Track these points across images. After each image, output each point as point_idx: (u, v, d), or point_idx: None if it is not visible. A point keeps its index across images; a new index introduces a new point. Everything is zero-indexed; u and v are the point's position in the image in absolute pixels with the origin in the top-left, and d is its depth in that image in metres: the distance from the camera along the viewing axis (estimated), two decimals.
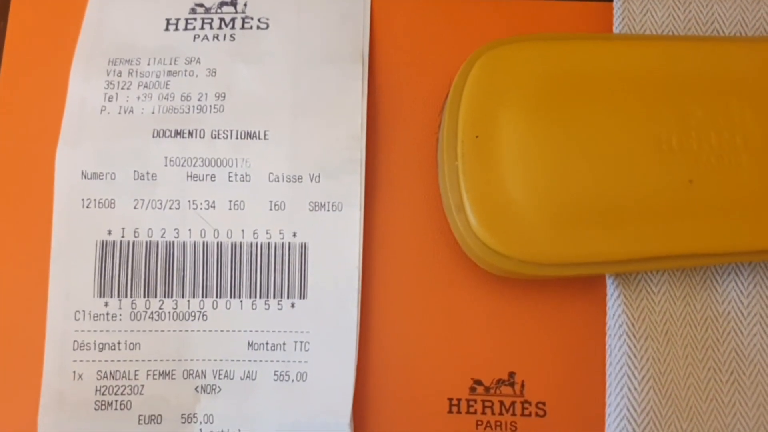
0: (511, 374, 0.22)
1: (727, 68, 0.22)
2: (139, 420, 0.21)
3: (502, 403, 0.22)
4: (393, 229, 0.23)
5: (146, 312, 0.22)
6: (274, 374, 0.21)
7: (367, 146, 0.23)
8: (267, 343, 0.21)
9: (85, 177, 0.22)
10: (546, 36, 0.22)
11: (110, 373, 0.21)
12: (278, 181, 0.22)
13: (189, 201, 0.22)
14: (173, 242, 0.22)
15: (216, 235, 0.22)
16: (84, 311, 0.22)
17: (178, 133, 0.22)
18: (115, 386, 0.21)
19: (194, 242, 0.22)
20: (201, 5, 0.24)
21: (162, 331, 0.22)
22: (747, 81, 0.22)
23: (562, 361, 0.22)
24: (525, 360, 0.22)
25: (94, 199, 0.22)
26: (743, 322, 0.22)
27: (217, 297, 0.22)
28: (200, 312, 0.22)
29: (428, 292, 0.22)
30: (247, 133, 0.23)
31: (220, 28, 0.24)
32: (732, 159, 0.21)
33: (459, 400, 0.22)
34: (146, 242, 0.22)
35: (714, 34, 0.24)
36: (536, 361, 0.22)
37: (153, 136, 0.22)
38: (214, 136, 0.23)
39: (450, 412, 0.22)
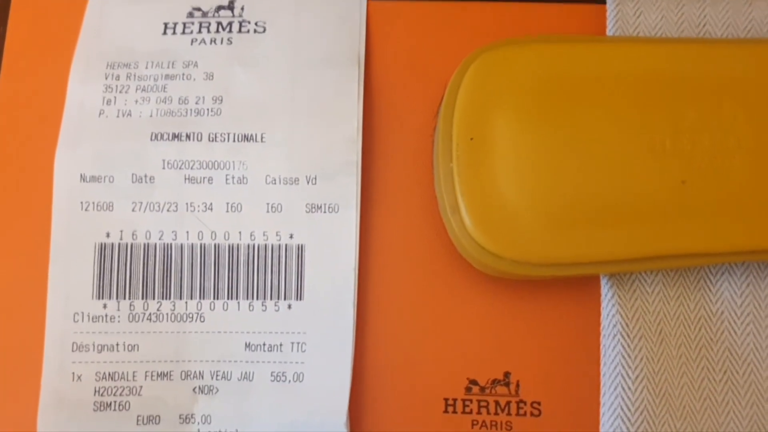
0: (507, 374, 0.22)
1: (720, 70, 0.22)
2: (138, 420, 0.21)
3: (497, 402, 0.22)
4: (389, 230, 0.23)
5: (144, 313, 0.22)
6: (271, 375, 0.21)
7: (363, 148, 0.23)
8: (264, 344, 0.22)
9: (83, 180, 0.22)
10: (539, 39, 0.23)
11: (109, 374, 0.22)
12: (275, 183, 0.23)
13: (186, 203, 0.22)
14: (171, 244, 0.22)
15: (213, 237, 0.22)
16: (83, 313, 0.22)
17: (176, 137, 0.23)
18: (114, 387, 0.22)
19: (192, 244, 0.22)
20: (198, 9, 0.24)
21: (160, 332, 0.22)
22: (739, 83, 0.22)
23: (557, 361, 0.22)
24: (520, 360, 0.22)
25: (93, 202, 0.22)
26: (737, 321, 0.22)
27: (214, 298, 0.22)
28: (198, 313, 0.22)
29: (424, 294, 0.23)
30: (244, 135, 0.23)
31: (217, 31, 0.24)
32: (725, 160, 0.22)
33: (455, 400, 0.22)
34: (144, 244, 0.22)
35: (706, 36, 0.24)
36: (531, 361, 0.22)
37: (151, 140, 0.23)
38: (211, 139, 0.23)
39: (446, 412, 0.22)
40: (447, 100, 0.22)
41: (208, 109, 0.23)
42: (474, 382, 0.22)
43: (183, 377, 0.22)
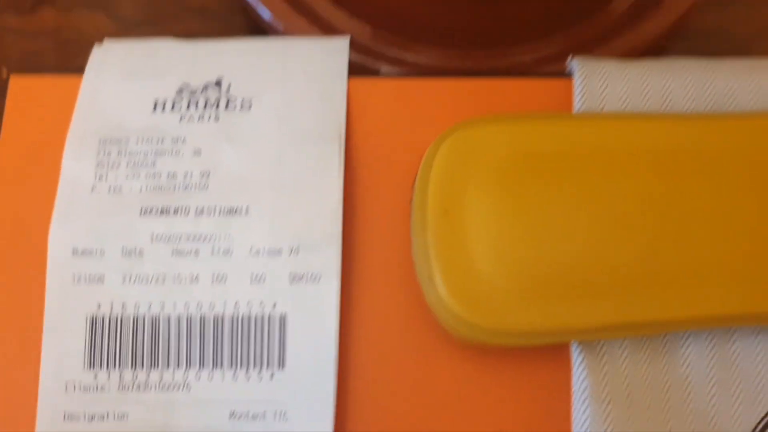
0: None
1: (684, 144, 0.24)
2: None
3: None
4: (370, 300, 0.24)
5: (133, 383, 0.23)
6: None
7: (344, 220, 0.24)
8: (248, 413, 0.22)
9: (76, 254, 0.23)
10: (509, 116, 0.24)
11: None
12: (259, 255, 0.23)
13: (174, 275, 0.23)
14: (158, 315, 0.23)
15: (199, 308, 0.23)
16: (75, 383, 0.23)
17: (164, 211, 0.24)
18: None
19: (178, 315, 0.23)
20: (187, 86, 0.25)
21: (148, 401, 0.23)
22: (705, 156, 0.24)
23: (531, 426, 0.23)
24: (496, 425, 0.23)
25: (85, 275, 0.23)
26: (703, 383, 0.23)
27: (200, 368, 0.23)
28: (184, 383, 0.23)
29: (404, 362, 0.23)
30: (230, 209, 0.24)
31: (205, 108, 0.25)
32: (691, 231, 0.23)
33: None
34: (133, 316, 0.23)
35: (670, 109, 0.25)
36: (506, 426, 0.23)
37: (140, 214, 0.24)
38: (198, 212, 0.24)
39: None
40: (421, 174, 0.23)
41: (195, 184, 0.24)
42: None
43: None
